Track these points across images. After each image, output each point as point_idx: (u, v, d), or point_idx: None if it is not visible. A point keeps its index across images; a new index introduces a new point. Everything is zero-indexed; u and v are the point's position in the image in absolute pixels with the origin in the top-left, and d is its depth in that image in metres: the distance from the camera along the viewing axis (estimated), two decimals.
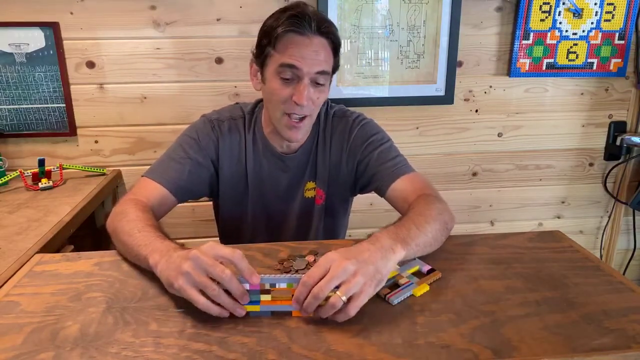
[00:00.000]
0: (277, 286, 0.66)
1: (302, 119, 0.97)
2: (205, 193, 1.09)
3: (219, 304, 0.64)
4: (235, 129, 1.06)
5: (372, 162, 1.04)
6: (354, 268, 0.64)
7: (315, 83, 0.94)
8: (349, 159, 1.08)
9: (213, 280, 0.64)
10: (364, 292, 0.64)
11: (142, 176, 0.99)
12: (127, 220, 0.82)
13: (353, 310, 0.63)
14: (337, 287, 0.63)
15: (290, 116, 0.96)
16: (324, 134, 1.08)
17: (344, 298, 0.62)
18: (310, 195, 1.11)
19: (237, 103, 1.12)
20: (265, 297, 0.66)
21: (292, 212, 1.12)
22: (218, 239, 1.22)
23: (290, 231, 1.13)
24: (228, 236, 1.17)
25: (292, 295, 0.66)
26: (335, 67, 0.99)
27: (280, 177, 1.09)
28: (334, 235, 1.18)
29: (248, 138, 1.06)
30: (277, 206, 1.11)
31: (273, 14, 0.95)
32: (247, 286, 0.66)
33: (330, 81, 0.99)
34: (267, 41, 0.93)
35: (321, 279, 0.63)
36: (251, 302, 0.66)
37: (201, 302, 0.63)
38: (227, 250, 0.65)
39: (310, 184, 1.10)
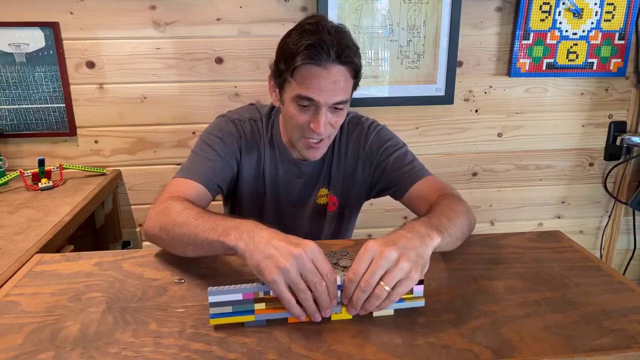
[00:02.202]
0: (271, 294, 0.64)
1: (320, 140, 0.97)
2: (225, 191, 1.06)
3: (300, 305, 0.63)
4: (256, 130, 1.06)
5: (389, 167, 1.04)
6: (397, 254, 0.62)
7: (334, 109, 0.92)
8: (365, 165, 1.08)
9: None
10: (410, 278, 0.62)
11: (173, 178, 0.96)
12: (176, 213, 0.78)
13: (398, 297, 0.62)
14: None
15: (309, 139, 0.96)
16: (339, 142, 1.08)
17: (387, 288, 0.61)
18: (322, 201, 1.11)
19: (252, 104, 1.12)
20: (259, 306, 0.65)
21: (304, 217, 1.12)
22: None
23: (300, 235, 1.12)
24: None
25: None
26: (355, 87, 0.96)
27: (295, 183, 1.09)
28: (342, 237, 1.18)
29: (265, 141, 1.06)
30: (290, 211, 1.11)
31: (291, 33, 0.90)
32: (241, 295, 0.64)
33: (350, 101, 0.95)
34: (285, 67, 0.90)
35: (366, 270, 0.62)
36: (245, 312, 0.65)
37: (289, 300, 0.62)
38: (327, 267, 0.63)
39: (324, 191, 1.10)
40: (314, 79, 0.87)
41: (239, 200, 1.09)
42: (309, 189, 1.10)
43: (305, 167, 1.07)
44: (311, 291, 0.62)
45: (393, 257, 0.62)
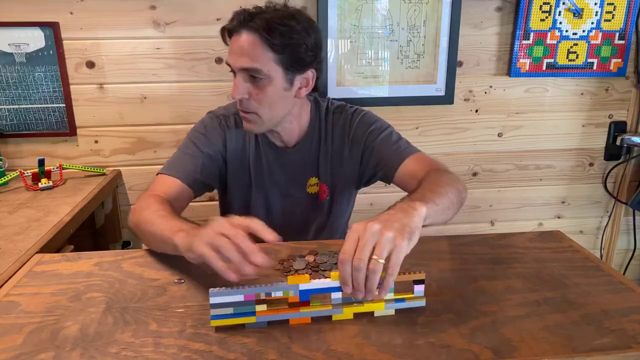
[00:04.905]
0: (272, 295, 0.64)
1: (248, 112, 0.98)
2: (217, 186, 1.12)
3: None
4: (241, 124, 1.08)
5: (376, 148, 1.06)
6: (379, 226, 0.63)
7: (252, 78, 0.94)
8: (352, 150, 1.09)
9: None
10: (397, 247, 0.62)
11: (157, 174, 1.02)
12: (148, 212, 0.86)
13: (395, 269, 0.62)
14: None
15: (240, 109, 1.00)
16: (325, 130, 1.10)
17: (381, 260, 0.61)
18: (313, 190, 1.13)
19: None
20: (260, 308, 0.65)
21: (296, 207, 1.13)
22: None
23: (293, 225, 1.15)
24: None
25: (289, 304, 0.65)
26: (288, 64, 0.94)
27: (279, 172, 1.10)
28: (335, 231, 1.19)
29: (251, 133, 1.09)
30: (280, 201, 1.13)
31: None
32: (242, 297, 0.64)
33: (287, 77, 0.95)
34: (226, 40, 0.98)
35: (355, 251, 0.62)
36: (246, 314, 0.65)
37: (210, 254, 0.65)
38: (244, 220, 0.68)
39: (313, 180, 1.12)
40: (231, 44, 0.95)
41: (229, 194, 1.13)
42: (298, 179, 1.11)
43: (288, 155, 1.09)
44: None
45: (376, 229, 0.62)
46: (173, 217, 0.83)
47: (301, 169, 1.11)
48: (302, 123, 1.08)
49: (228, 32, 0.95)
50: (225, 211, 1.18)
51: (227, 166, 1.09)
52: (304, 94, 1.01)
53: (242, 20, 0.92)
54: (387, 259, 0.61)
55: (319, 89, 1.07)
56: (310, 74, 0.99)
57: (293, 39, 0.93)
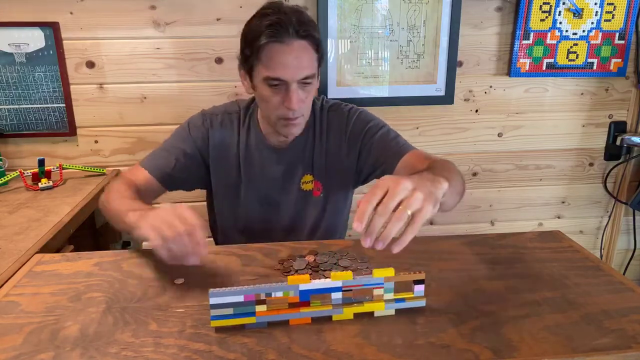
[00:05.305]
0: (272, 295, 0.64)
1: (296, 117, 1.00)
2: (198, 184, 1.14)
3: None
4: (229, 123, 1.11)
5: (374, 145, 1.07)
6: (412, 185, 0.62)
7: (303, 84, 0.96)
8: (350, 149, 1.10)
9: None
10: (424, 209, 0.61)
11: (137, 163, 1.07)
12: (113, 192, 0.95)
13: (415, 228, 0.60)
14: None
15: (286, 117, 0.99)
16: (320, 128, 1.11)
17: (409, 212, 0.60)
18: (307, 187, 1.13)
19: (236, 100, 1.17)
20: (260, 308, 0.65)
21: (288, 203, 1.13)
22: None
23: (287, 222, 1.15)
24: (220, 230, 1.19)
25: (289, 304, 0.65)
26: (320, 62, 1.00)
27: (274, 170, 1.11)
28: (332, 230, 1.19)
29: (242, 132, 1.10)
30: (273, 198, 1.13)
31: (252, 19, 0.96)
32: (242, 297, 0.64)
33: (318, 75, 1.01)
34: (250, 52, 0.94)
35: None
36: (246, 314, 0.65)
37: (154, 240, 0.70)
38: (190, 214, 0.72)
39: (308, 177, 1.12)
40: (279, 57, 0.92)
41: (215, 192, 1.13)
42: (292, 176, 1.12)
43: (283, 153, 1.10)
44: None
45: (409, 185, 0.61)
46: (134, 199, 0.90)
47: (296, 167, 1.11)
48: None
49: (259, 47, 0.92)
50: (213, 210, 1.17)
51: (211, 165, 1.10)
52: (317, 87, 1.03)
53: (293, 32, 0.91)
54: (411, 217, 0.61)
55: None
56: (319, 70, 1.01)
57: (318, 36, 0.96)
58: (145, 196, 0.99)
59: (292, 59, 0.92)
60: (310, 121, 1.10)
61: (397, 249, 0.61)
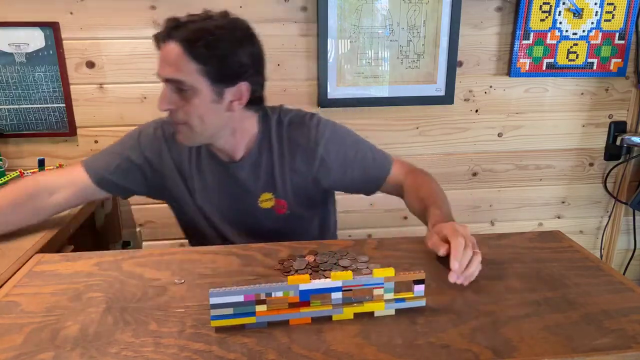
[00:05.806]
0: (272, 295, 0.64)
1: (178, 123, 0.94)
2: (141, 192, 1.09)
3: None
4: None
5: (356, 170, 1.05)
6: (462, 230, 0.77)
7: (179, 89, 0.90)
8: (328, 174, 1.04)
9: None
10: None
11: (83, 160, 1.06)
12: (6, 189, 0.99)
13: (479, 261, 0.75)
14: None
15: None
16: (279, 145, 1.03)
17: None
18: (267, 205, 1.05)
19: None
20: (260, 308, 0.64)
21: (249, 219, 1.07)
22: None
23: (248, 233, 1.09)
24: (192, 236, 1.16)
25: (289, 304, 0.65)
26: (213, 75, 0.89)
27: (227, 186, 1.05)
28: (325, 231, 1.17)
29: (193, 150, 1.04)
30: (231, 214, 1.07)
31: None
32: (242, 297, 0.63)
33: (215, 89, 0.90)
34: None
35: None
36: (246, 314, 0.64)
37: None
38: None
39: (266, 195, 1.05)
40: (160, 53, 0.92)
41: (169, 203, 1.12)
42: (246, 194, 1.05)
43: (234, 169, 1.03)
44: None
45: (462, 231, 0.77)
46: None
47: (251, 184, 1.04)
48: (247, 137, 1.01)
49: (157, 40, 0.92)
50: (179, 220, 1.14)
51: (161, 175, 1.05)
52: (238, 107, 0.94)
53: (169, 29, 0.89)
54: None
55: (265, 101, 1.01)
56: (243, 87, 0.92)
57: (219, 49, 0.88)
58: (76, 197, 1.02)
59: (162, 57, 0.90)
60: (265, 136, 1.03)
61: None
